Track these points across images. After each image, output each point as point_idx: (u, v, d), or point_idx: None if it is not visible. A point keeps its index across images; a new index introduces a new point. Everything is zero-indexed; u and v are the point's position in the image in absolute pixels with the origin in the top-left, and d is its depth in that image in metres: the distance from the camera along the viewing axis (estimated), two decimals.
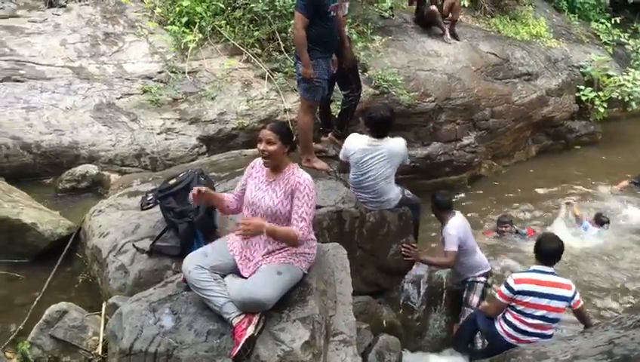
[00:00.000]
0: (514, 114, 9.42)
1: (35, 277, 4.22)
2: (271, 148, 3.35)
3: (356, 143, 4.98)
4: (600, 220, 7.76)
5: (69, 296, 4.05)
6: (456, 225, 5.41)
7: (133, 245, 3.98)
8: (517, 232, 7.41)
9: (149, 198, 4.40)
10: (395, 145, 4.98)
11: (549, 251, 4.60)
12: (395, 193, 5.11)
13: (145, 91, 6.39)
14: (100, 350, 3.47)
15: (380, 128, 4.92)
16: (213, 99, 6.64)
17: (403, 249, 5.16)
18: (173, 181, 4.14)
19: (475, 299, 5.43)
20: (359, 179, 5.01)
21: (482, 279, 5.52)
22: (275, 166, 3.44)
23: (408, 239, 5.21)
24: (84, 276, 4.31)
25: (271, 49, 7.41)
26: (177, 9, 7.19)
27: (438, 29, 9.37)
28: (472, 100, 8.81)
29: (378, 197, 5.03)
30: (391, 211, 5.08)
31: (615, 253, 7.23)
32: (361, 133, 5.17)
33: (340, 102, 6.24)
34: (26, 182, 5.31)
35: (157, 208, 4.23)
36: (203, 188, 3.46)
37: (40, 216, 4.52)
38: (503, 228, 7.37)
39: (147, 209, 4.36)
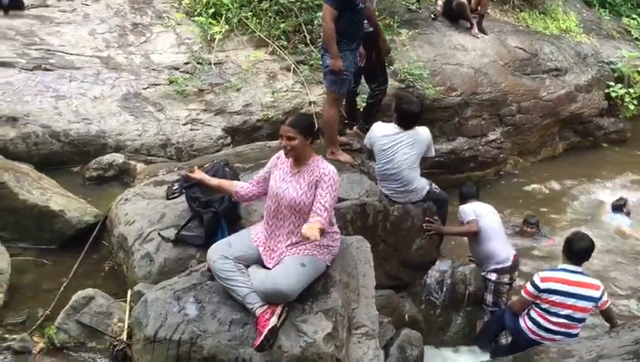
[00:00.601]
0: (541, 110, 9.26)
1: (62, 264, 4.29)
2: (292, 143, 3.35)
3: (381, 130, 4.99)
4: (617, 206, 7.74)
5: (95, 282, 4.12)
6: (473, 205, 5.53)
7: (159, 234, 4.02)
8: (543, 235, 7.10)
9: (174, 188, 4.44)
10: (420, 131, 5.01)
11: (578, 250, 4.52)
12: (421, 184, 5.08)
13: (171, 82, 6.44)
14: (124, 336, 3.53)
15: (407, 121, 4.93)
16: (238, 90, 6.66)
17: (425, 224, 5.16)
18: None
19: (488, 298, 5.37)
20: (385, 168, 4.98)
21: (493, 276, 5.32)
22: (297, 157, 3.44)
23: (429, 216, 5.21)
24: (110, 263, 4.38)
25: (297, 41, 7.41)
26: (204, 0, 7.22)
27: (465, 22, 9.26)
28: (499, 95, 8.70)
29: (404, 187, 5.00)
30: (415, 206, 5.06)
31: None
32: (385, 121, 5.15)
33: (365, 96, 6.21)
34: (55, 170, 5.40)
35: (182, 198, 4.27)
36: (195, 169, 3.61)
37: (68, 204, 4.60)
38: (529, 229, 7.04)
39: (172, 198, 4.41)
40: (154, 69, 6.51)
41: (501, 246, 5.37)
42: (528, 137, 9.30)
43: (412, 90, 7.67)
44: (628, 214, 7.67)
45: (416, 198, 5.07)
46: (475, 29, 9.13)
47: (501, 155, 8.77)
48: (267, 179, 3.59)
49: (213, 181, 3.75)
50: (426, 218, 5.17)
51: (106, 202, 4.90)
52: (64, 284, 4.05)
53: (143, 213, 4.27)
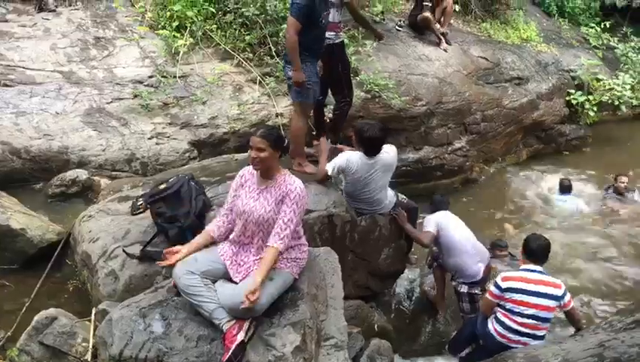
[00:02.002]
0: (505, 118, 9.44)
1: (24, 284, 4.20)
2: (262, 155, 3.33)
3: (353, 164, 4.85)
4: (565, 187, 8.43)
5: (58, 302, 4.03)
6: (439, 216, 5.47)
7: (124, 250, 3.96)
8: (512, 256, 6.85)
9: (139, 203, 4.38)
10: (388, 156, 4.96)
11: (535, 249, 4.63)
12: (389, 198, 5.12)
13: (135, 96, 6.37)
14: (89, 356, 3.45)
15: (374, 148, 4.86)
16: (204, 103, 6.63)
17: (393, 213, 5.18)
18: (163, 186, 4.12)
19: (465, 306, 5.39)
20: (356, 193, 5.00)
21: (464, 288, 5.33)
22: (265, 171, 3.42)
23: (397, 210, 5.23)
24: (73, 282, 4.29)
25: (262, 53, 7.40)
26: (168, 14, 7.17)
27: (430, 34, 9.38)
28: (464, 104, 8.84)
29: (374, 206, 5.06)
30: (382, 215, 5.09)
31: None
32: (352, 147, 5.08)
33: (332, 107, 6.23)
34: (16, 188, 5.29)
35: (147, 213, 4.22)
36: (175, 249, 3.39)
37: (29, 222, 4.50)
38: (500, 253, 6.71)
39: (137, 214, 4.34)
40: (117, 83, 6.43)
41: (469, 261, 5.30)
42: (493, 145, 9.46)
43: (378, 101, 7.76)
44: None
45: (384, 211, 5.10)
46: (444, 44, 9.25)
47: (467, 163, 8.91)
48: (235, 202, 3.55)
49: (193, 247, 3.48)
50: (395, 212, 5.20)
51: (69, 219, 4.83)
52: (26, 305, 3.96)
53: (107, 229, 4.20)
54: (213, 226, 3.57)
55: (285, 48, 5.07)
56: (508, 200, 8.74)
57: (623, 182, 8.40)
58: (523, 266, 4.66)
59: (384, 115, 7.87)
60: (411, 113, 8.19)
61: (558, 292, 4.48)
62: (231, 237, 3.49)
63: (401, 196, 5.40)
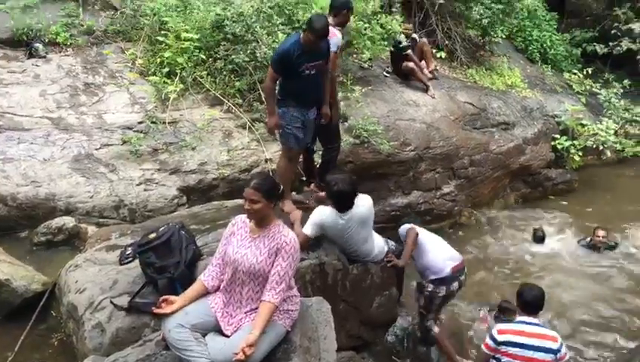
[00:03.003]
0: (492, 162, 9.53)
1: (8, 336, 4.09)
2: (255, 206, 3.30)
3: (327, 221, 4.72)
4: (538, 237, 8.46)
5: (42, 356, 3.92)
6: (406, 225, 5.54)
7: (111, 302, 3.87)
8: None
9: (127, 253, 4.31)
10: (363, 209, 4.81)
11: (530, 300, 4.57)
12: (379, 247, 5.08)
13: (124, 142, 6.34)
14: None
15: (346, 203, 4.72)
16: (193, 149, 6.61)
17: (385, 259, 5.13)
18: (152, 235, 4.06)
19: (421, 301, 5.44)
20: (340, 247, 4.92)
21: (430, 287, 5.32)
22: (259, 221, 3.39)
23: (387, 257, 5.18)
24: (59, 334, 4.18)
25: (252, 99, 7.45)
26: (159, 60, 7.22)
27: (416, 80, 9.52)
28: (452, 149, 8.92)
29: (363, 258, 5.01)
30: (374, 263, 5.04)
31: None
32: (325, 204, 4.96)
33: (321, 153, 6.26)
34: (1, 236, 5.20)
35: (136, 263, 4.14)
36: (171, 298, 3.32)
37: (14, 272, 4.41)
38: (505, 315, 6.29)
39: (126, 264, 4.27)
40: (107, 129, 6.41)
41: (438, 257, 5.37)
42: (481, 189, 9.51)
43: (367, 146, 7.81)
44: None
45: (375, 260, 5.06)
46: (432, 91, 9.39)
47: (456, 208, 8.93)
48: (225, 251, 3.50)
49: (187, 300, 3.40)
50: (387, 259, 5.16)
51: (55, 269, 4.72)
52: (10, 359, 3.84)
53: (94, 279, 4.11)
54: (207, 277, 3.50)
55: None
56: (494, 246, 8.70)
57: (599, 237, 8.20)
58: (519, 318, 4.60)
59: (373, 160, 7.93)
60: (400, 158, 8.25)
61: (555, 345, 4.42)
62: (221, 286, 3.43)
63: (392, 243, 5.37)
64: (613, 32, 13.93)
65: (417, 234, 5.38)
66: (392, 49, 9.35)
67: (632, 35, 13.59)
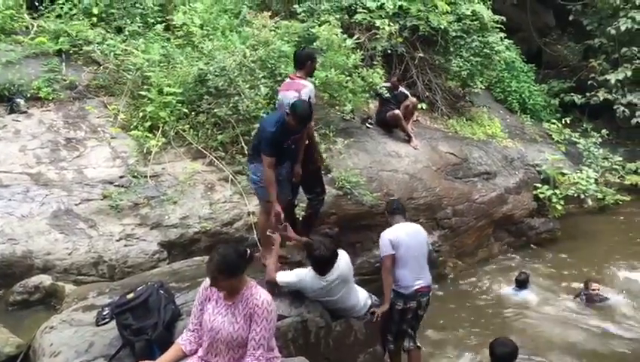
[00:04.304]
0: (475, 212, 9.56)
1: None
2: (219, 285, 3.25)
3: (306, 285, 4.73)
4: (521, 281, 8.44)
5: None
6: (394, 232, 5.54)
7: None
8: None
9: (104, 313, 4.20)
10: (343, 268, 4.80)
11: (501, 355, 4.52)
12: (362, 302, 5.03)
13: (105, 196, 6.28)
14: None
15: (324, 266, 4.71)
16: (175, 203, 6.56)
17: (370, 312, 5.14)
18: (130, 295, 3.97)
19: (395, 316, 5.51)
20: (325, 305, 4.87)
21: (391, 295, 5.45)
22: (229, 293, 3.33)
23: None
24: None
25: (234, 152, 7.46)
26: (141, 114, 7.23)
27: (398, 131, 9.62)
28: (435, 199, 8.95)
29: (346, 312, 4.97)
30: (357, 319, 4.97)
31: None
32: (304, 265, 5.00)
33: (304, 206, 6.25)
34: None
35: (113, 323, 4.03)
36: None
37: None
38: None
39: (102, 325, 4.15)
40: (87, 184, 6.35)
41: (408, 275, 5.47)
42: (465, 239, 9.50)
43: (350, 197, 7.81)
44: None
45: (357, 315, 4.99)
46: (414, 142, 9.47)
47: (440, 258, 8.88)
48: (202, 316, 3.42)
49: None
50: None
51: (30, 330, 4.58)
52: None
53: (70, 342, 3.98)
54: (185, 341, 3.42)
55: (250, 149, 5.25)
56: (478, 297, 8.65)
57: (595, 290, 8.08)
58: None
59: (356, 212, 7.92)
60: (383, 209, 8.22)
61: None
62: (199, 354, 3.34)
63: (375, 298, 5.32)
64: (589, 82, 14.34)
65: (393, 258, 5.42)
66: (386, 94, 9.46)
67: (607, 85, 13.97)
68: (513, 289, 8.62)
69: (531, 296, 8.47)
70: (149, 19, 8.46)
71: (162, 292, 4.02)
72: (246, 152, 7.32)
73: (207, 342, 3.31)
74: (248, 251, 3.42)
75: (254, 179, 5.28)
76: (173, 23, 8.52)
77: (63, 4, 7.89)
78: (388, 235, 5.55)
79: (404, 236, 5.55)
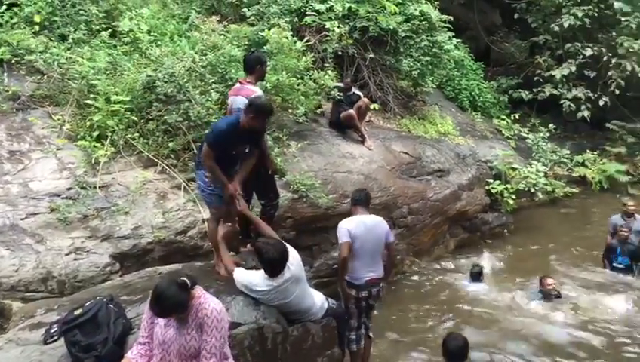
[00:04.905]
0: (430, 210, 9.68)
1: None
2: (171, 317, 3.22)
3: (257, 288, 4.71)
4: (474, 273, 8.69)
5: None
6: (352, 222, 5.71)
7: None
8: None
9: (52, 331, 4.07)
10: (294, 269, 4.78)
11: (453, 349, 4.61)
12: (318, 305, 5.02)
13: (52, 210, 6.09)
14: None
15: (276, 268, 4.70)
16: (126, 213, 6.42)
17: None
18: (78, 311, 3.87)
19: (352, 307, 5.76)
20: (279, 309, 4.85)
21: (353, 292, 5.72)
22: None
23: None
24: None
25: (186, 159, 7.35)
26: (88, 124, 7.05)
27: (352, 132, 9.66)
28: (390, 199, 9.02)
29: (302, 315, 4.95)
30: (314, 323, 4.96)
31: None
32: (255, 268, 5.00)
33: (258, 210, 6.21)
34: None
35: (61, 341, 3.91)
36: None
37: None
38: None
39: (51, 343, 4.02)
40: (33, 198, 6.15)
41: (360, 267, 5.71)
42: (421, 237, 9.62)
43: (305, 200, 7.80)
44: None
45: (314, 319, 4.98)
46: (368, 142, 9.52)
47: (397, 257, 8.94)
48: (153, 329, 3.36)
49: None
50: None
51: None
52: None
53: None
54: (135, 355, 3.35)
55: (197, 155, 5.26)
56: (435, 293, 8.76)
57: (549, 285, 8.18)
58: None
59: (312, 214, 7.92)
60: (339, 210, 8.22)
61: None
62: None
63: (332, 301, 5.32)
64: (536, 78, 14.73)
65: (349, 246, 5.60)
66: (338, 95, 9.48)
67: (553, 81, 14.37)
68: (468, 282, 8.79)
69: (486, 289, 8.66)
70: (93, 26, 8.23)
71: (112, 306, 3.93)
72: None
73: (160, 356, 3.25)
74: (187, 281, 3.35)
75: (202, 185, 5.23)
76: (120, 29, 8.33)
77: (3, 12, 7.63)
78: (346, 224, 5.71)
79: (363, 229, 5.69)
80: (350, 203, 6.12)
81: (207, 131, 5.46)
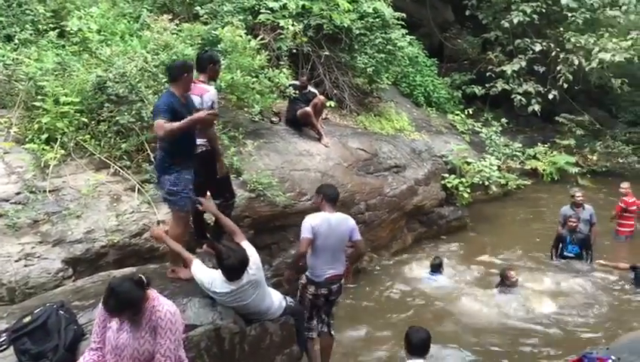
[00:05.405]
0: (387, 205, 9.78)
1: None
2: (124, 317, 3.16)
3: (216, 289, 4.68)
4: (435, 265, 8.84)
5: None
6: (317, 219, 5.74)
7: None
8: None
9: (1, 340, 3.95)
10: (253, 273, 4.74)
11: (417, 342, 4.65)
12: (276, 304, 5.02)
13: (1, 215, 5.90)
14: None
15: (235, 274, 4.66)
16: (78, 217, 6.27)
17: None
18: (27, 319, 3.78)
19: (298, 293, 5.88)
20: (239, 311, 4.84)
21: (304, 280, 5.83)
22: None
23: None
24: None
25: (140, 160, 7.22)
26: (36, 126, 6.85)
27: (308, 129, 9.67)
28: (347, 195, 9.06)
29: (261, 316, 4.95)
30: (272, 322, 4.96)
31: None
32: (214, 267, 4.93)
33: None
34: None
35: (11, 350, 3.81)
36: None
37: None
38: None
39: (0, 352, 3.91)
40: None
41: (321, 265, 5.75)
42: (379, 232, 9.71)
43: (263, 199, 7.77)
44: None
45: (272, 318, 4.99)
46: (325, 139, 9.55)
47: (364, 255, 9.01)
48: (105, 334, 3.31)
49: None
50: None
51: None
52: None
53: None
54: (88, 361, 3.28)
55: (156, 160, 5.02)
56: (395, 288, 8.85)
57: (513, 277, 8.35)
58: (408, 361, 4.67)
59: (270, 213, 7.90)
60: (297, 208, 8.25)
61: None
62: None
63: (289, 299, 5.33)
64: (488, 74, 15.04)
65: (309, 242, 5.66)
66: (294, 93, 9.47)
67: (505, 76, 14.70)
68: (428, 274, 8.92)
69: (446, 281, 8.82)
70: (40, 25, 8.03)
71: (62, 312, 3.85)
72: (152, 159, 7.14)
73: (113, 361, 3.20)
74: (143, 277, 3.31)
75: (171, 190, 4.97)
76: (68, 29, 8.13)
77: None
78: (311, 220, 5.75)
79: (327, 227, 5.71)
80: (319, 197, 6.02)
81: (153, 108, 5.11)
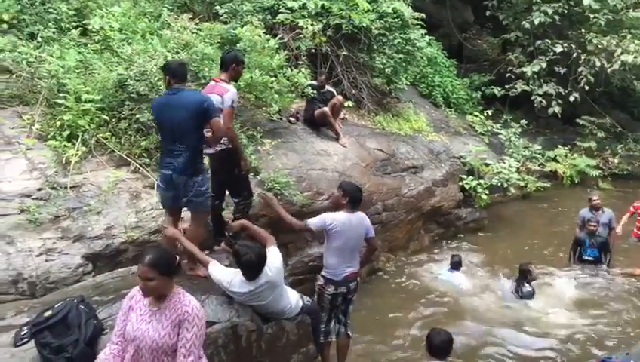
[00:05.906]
0: (405, 206, 9.76)
1: None
2: (151, 284, 3.18)
3: (234, 289, 4.72)
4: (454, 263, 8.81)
5: None
6: (339, 217, 5.71)
7: None
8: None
9: (23, 333, 4.02)
10: (271, 274, 4.76)
11: (438, 344, 4.65)
12: (293, 304, 5.04)
13: (22, 211, 5.99)
14: None
15: (253, 272, 4.68)
16: (99, 213, 6.35)
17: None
18: (48, 313, 3.83)
19: (315, 294, 5.86)
20: (254, 309, 4.87)
21: (321, 281, 5.83)
22: (157, 296, 3.26)
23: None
24: None
25: (159, 157, 7.28)
26: (58, 123, 6.95)
27: (326, 129, 9.68)
28: (365, 196, 8.90)
29: (279, 316, 4.98)
30: (289, 320, 4.98)
31: None
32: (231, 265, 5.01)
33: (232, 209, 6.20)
34: None
35: (32, 344, 3.87)
36: None
37: None
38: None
39: (21, 345, 3.97)
40: (2, 199, 6.03)
41: (340, 264, 5.76)
42: (396, 233, 9.69)
43: (280, 198, 7.79)
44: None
45: (290, 316, 5.01)
46: (343, 139, 9.55)
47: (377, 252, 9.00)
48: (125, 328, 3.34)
49: None
50: None
51: None
52: None
53: None
54: (108, 355, 3.32)
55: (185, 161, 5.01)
56: (413, 288, 8.84)
57: (533, 272, 8.27)
58: None
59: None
60: (314, 208, 8.26)
61: None
62: None
63: (306, 299, 5.34)
64: (508, 75, 14.92)
65: (311, 232, 5.93)
66: (312, 93, 9.48)
67: (525, 77, 14.57)
68: (448, 270, 8.89)
69: (463, 279, 8.76)
70: (63, 24, 8.13)
71: (83, 307, 3.90)
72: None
73: (132, 352, 3.23)
74: (177, 258, 3.39)
75: (201, 190, 5.01)
76: (90, 27, 8.23)
77: None
78: (331, 217, 5.75)
79: (348, 228, 5.71)
80: (341, 194, 5.88)
81: (206, 106, 4.98)
